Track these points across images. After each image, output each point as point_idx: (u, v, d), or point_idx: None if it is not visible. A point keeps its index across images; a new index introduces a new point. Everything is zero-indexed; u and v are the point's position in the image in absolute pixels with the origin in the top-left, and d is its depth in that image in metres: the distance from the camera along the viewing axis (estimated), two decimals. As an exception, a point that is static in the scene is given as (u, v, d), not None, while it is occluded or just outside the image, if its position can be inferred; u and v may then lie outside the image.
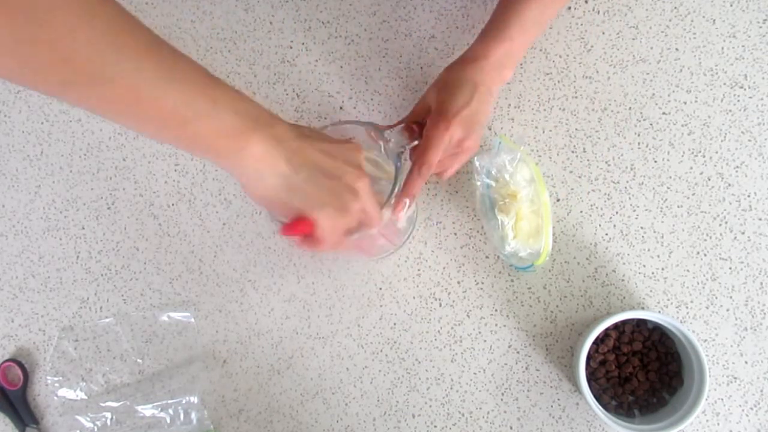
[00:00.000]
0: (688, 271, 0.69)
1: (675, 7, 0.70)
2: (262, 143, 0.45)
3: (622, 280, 0.69)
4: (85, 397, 0.71)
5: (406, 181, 0.58)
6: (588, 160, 0.70)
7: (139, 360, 0.71)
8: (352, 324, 0.70)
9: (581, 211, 0.70)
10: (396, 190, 0.58)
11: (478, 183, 0.66)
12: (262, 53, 0.73)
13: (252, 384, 0.70)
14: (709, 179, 0.69)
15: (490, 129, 0.71)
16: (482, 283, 0.70)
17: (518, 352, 0.69)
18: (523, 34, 0.61)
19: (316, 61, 0.73)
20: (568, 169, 0.70)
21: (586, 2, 0.71)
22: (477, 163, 0.66)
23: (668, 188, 0.69)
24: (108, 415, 0.70)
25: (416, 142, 0.60)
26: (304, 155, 0.47)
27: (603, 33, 0.71)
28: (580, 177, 0.70)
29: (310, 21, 0.73)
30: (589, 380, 0.65)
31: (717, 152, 0.69)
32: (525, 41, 0.62)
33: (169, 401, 0.70)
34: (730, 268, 0.68)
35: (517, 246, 0.65)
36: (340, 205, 0.48)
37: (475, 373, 0.69)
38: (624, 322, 0.66)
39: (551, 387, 0.69)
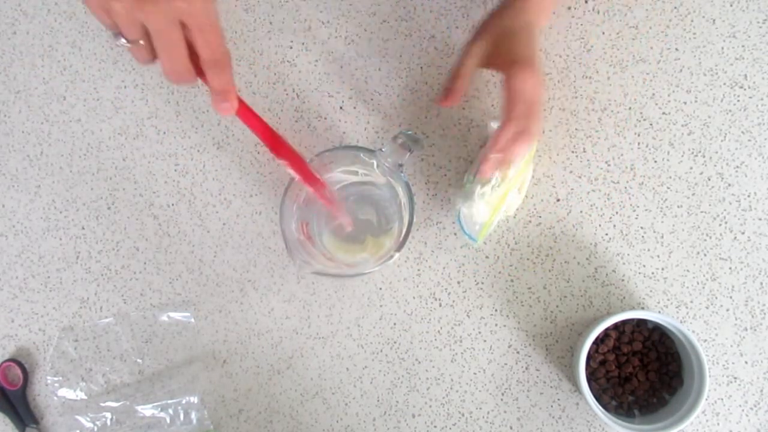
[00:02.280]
0: (688, 271, 0.69)
1: (675, 7, 0.70)
2: None
3: (622, 280, 0.69)
4: (85, 397, 0.71)
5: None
6: (588, 160, 0.70)
7: (139, 360, 0.71)
8: (352, 324, 0.70)
9: (581, 211, 0.70)
10: (411, 204, 0.58)
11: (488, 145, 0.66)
12: (262, 53, 0.73)
13: (252, 384, 0.70)
14: (709, 179, 0.69)
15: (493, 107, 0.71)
16: (482, 283, 0.70)
17: (518, 352, 0.69)
18: None
19: (316, 61, 0.73)
20: (568, 169, 0.70)
21: (586, 2, 0.71)
22: (492, 125, 0.65)
23: (668, 188, 0.69)
24: (108, 415, 0.70)
25: (411, 152, 0.59)
26: None
27: (603, 33, 0.71)
28: (580, 177, 0.70)
29: (310, 21, 0.73)
30: (589, 380, 0.65)
31: (717, 152, 0.69)
32: None
33: (169, 401, 0.70)
34: (730, 268, 0.68)
35: (477, 210, 0.64)
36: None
37: (475, 373, 0.69)
38: (624, 322, 0.66)
39: (551, 387, 0.69)
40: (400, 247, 0.59)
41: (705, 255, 0.68)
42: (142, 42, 0.41)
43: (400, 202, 0.63)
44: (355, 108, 0.72)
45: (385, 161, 0.60)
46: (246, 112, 0.51)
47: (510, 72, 0.55)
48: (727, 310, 0.68)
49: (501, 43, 0.57)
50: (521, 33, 0.57)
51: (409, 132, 0.60)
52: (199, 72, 0.43)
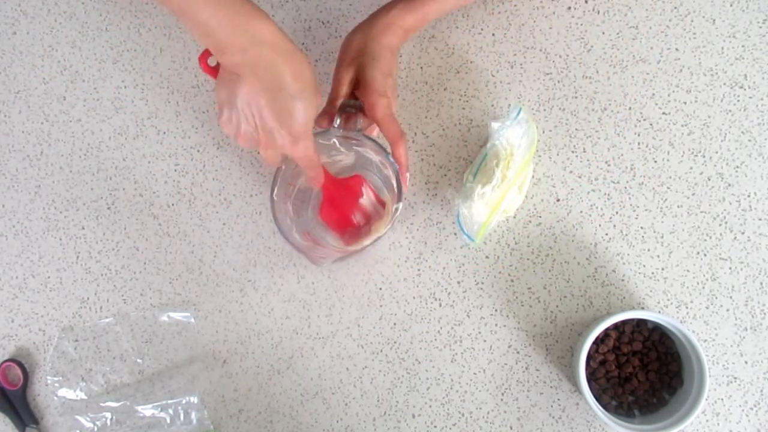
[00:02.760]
0: (688, 271, 0.69)
1: (675, 7, 0.70)
2: (269, 26, 0.51)
3: (622, 280, 0.69)
4: (85, 397, 0.71)
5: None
6: (588, 160, 0.70)
7: (139, 360, 0.71)
8: (352, 324, 0.70)
9: (581, 211, 0.70)
10: (387, 155, 0.61)
11: (488, 145, 0.66)
12: (262, 53, 0.73)
13: (252, 384, 0.70)
14: (709, 179, 0.69)
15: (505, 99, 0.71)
16: (482, 283, 0.70)
17: (518, 352, 0.69)
18: (442, 7, 0.64)
19: (316, 61, 0.73)
20: (568, 169, 0.70)
21: (586, 2, 0.71)
22: (493, 125, 0.65)
23: (668, 188, 0.69)
24: (108, 415, 0.70)
25: (359, 112, 0.61)
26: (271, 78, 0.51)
27: (603, 33, 0.71)
28: (580, 177, 0.70)
29: (310, 21, 0.73)
30: (589, 380, 0.65)
31: (717, 152, 0.69)
32: (440, 13, 0.65)
33: (169, 401, 0.70)
34: (730, 268, 0.68)
35: (476, 210, 0.65)
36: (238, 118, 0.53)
37: (475, 373, 0.69)
38: (624, 322, 0.66)
39: (551, 387, 0.69)
40: (399, 198, 0.61)
41: (705, 255, 0.68)
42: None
43: (377, 162, 0.64)
44: (355, 108, 0.72)
45: (341, 133, 0.62)
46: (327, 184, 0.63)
47: (372, 103, 0.59)
48: (727, 310, 0.68)
49: (362, 70, 0.60)
50: (385, 56, 0.61)
51: (348, 100, 0.62)
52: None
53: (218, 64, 0.54)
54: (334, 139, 0.62)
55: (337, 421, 0.70)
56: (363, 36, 0.61)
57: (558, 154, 0.70)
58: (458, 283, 0.70)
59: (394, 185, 0.62)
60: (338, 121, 0.61)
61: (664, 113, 0.70)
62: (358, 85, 0.61)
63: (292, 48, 0.51)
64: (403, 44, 0.64)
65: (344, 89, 0.61)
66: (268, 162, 0.58)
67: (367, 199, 0.66)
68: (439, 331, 0.70)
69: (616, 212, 0.69)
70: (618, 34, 0.71)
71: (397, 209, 0.61)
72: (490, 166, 0.64)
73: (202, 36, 0.49)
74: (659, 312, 0.65)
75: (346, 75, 0.61)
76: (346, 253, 0.66)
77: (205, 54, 0.54)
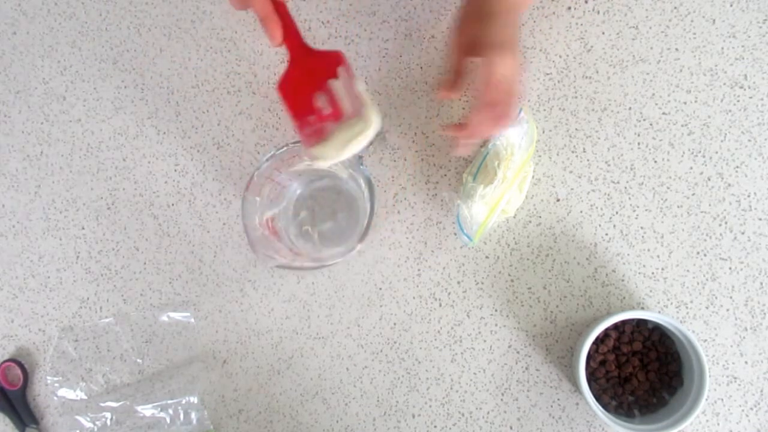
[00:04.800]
0: (688, 271, 0.69)
1: (675, 7, 0.70)
2: None
3: (622, 280, 0.69)
4: (85, 397, 0.71)
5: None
6: (588, 160, 0.70)
7: (139, 360, 0.71)
8: (352, 324, 0.70)
9: (581, 211, 0.70)
10: (372, 196, 0.59)
11: (489, 146, 0.66)
12: (262, 53, 0.73)
13: (252, 384, 0.70)
14: (709, 179, 0.69)
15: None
16: (482, 283, 0.70)
17: (518, 352, 0.69)
18: None
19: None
20: (568, 169, 0.70)
21: (586, 2, 0.71)
22: None
23: (668, 188, 0.69)
24: (108, 415, 0.70)
25: (371, 144, 0.57)
26: None
27: (603, 33, 0.71)
28: (580, 177, 0.70)
29: (310, 21, 0.73)
30: (589, 380, 0.65)
31: (717, 152, 0.69)
32: None
33: (169, 401, 0.70)
34: (730, 268, 0.68)
35: (476, 210, 0.64)
36: None
37: (475, 373, 0.69)
38: (624, 322, 0.66)
39: (551, 387, 0.69)
40: (362, 239, 0.59)
41: (705, 255, 0.68)
42: None
43: (363, 194, 0.63)
44: (355, 108, 0.72)
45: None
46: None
47: (488, 56, 0.54)
48: (727, 310, 0.68)
49: (481, 28, 0.56)
50: (500, 16, 0.56)
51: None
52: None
53: None
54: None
55: (337, 421, 0.70)
56: (477, 26, 0.57)
57: (558, 154, 0.70)
58: (458, 283, 0.70)
59: (365, 226, 0.59)
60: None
61: (664, 113, 0.70)
62: (471, 48, 0.56)
63: None
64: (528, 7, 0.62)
65: (460, 53, 0.58)
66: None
67: (342, 85, 0.54)
68: (439, 331, 0.70)
69: (616, 212, 0.69)
70: (618, 34, 0.70)
71: (354, 249, 0.58)
72: (491, 166, 0.64)
73: None
74: (659, 312, 0.65)
75: (461, 39, 0.57)
76: (293, 259, 0.62)
77: None
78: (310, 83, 0.54)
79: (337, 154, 0.55)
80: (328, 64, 0.54)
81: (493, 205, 0.63)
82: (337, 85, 0.54)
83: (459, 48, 0.59)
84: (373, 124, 0.54)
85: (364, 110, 0.54)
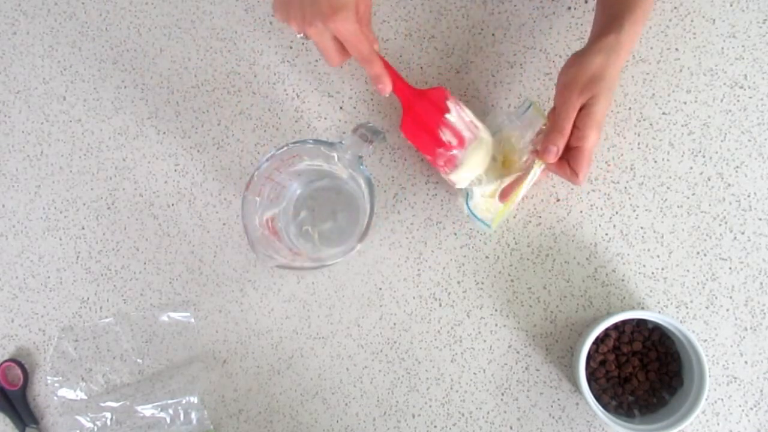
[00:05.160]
0: (688, 271, 0.69)
1: (675, 7, 0.70)
2: None
3: (622, 280, 0.69)
4: (85, 397, 0.71)
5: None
6: (588, 160, 0.70)
7: (139, 360, 0.71)
8: (352, 324, 0.70)
9: (581, 211, 0.70)
10: (372, 197, 0.59)
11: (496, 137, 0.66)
12: (262, 53, 0.73)
13: (252, 384, 0.70)
14: (709, 179, 0.69)
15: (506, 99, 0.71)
16: (482, 283, 0.70)
17: (518, 352, 0.69)
18: (643, 15, 0.59)
19: (316, 61, 0.73)
20: (568, 169, 0.70)
21: (586, 2, 0.71)
22: (501, 117, 0.65)
23: (668, 188, 0.69)
24: (108, 415, 0.70)
25: (371, 144, 0.59)
26: None
27: (603, 33, 0.71)
28: (580, 177, 0.70)
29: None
30: (589, 380, 0.65)
31: (717, 152, 0.69)
32: (644, 18, 0.60)
33: (169, 401, 0.70)
34: (730, 268, 0.68)
35: (484, 201, 0.64)
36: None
37: (475, 373, 0.69)
38: (624, 322, 0.66)
39: (551, 387, 0.69)
40: (362, 239, 0.59)
41: (705, 255, 0.68)
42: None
43: (363, 194, 0.63)
44: (355, 108, 0.72)
45: (345, 153, 0.60)
46: (396, 83, 0.61)
47: (587, 136, 0.57)
48: (727, 310, 0.68)
49: (594, 98, 0.57)
50: (613, 87, 0.58)
51: (370, 124, 0.60)
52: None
53: None
54: (335, 154, 0.62)
55: (337, 421, 0.70)
56: (603, 60, 0.57)
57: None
58: (458, 283, 0.70)
59: (364, 226, 0.60)
60: (347, 139, 0.60)
61: (664, 113, 0.70)
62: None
63: None
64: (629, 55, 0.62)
65: (573, 117, 0.58)
66: (323, 52, 0.57)
67: (456, 116, 0.62)
68: (439, 331, 0.70)
69: (616, 212, 0.69)
70: (618, 34, 0.70)
71: (354, 248, 0.60)
72: (505, 155, 0.64)
73: None
74: (659, 312, 0.65)
75: (578, 100, 0.57)
76: (293, 259, 0.64)
77: None
78: (428, 121, 0.62)
79: (471, 175, 0.63)
80: (438, 99, 0.62)
81: (516, 190, 0.62)
82: (452, 118, 0.62)
83: (574, 112, 0.58)
84: (487, 140, 0.62)
85: (479, 132, 0.62)
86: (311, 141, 0.61)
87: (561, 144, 0.58)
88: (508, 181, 0.63)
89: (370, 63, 0.59)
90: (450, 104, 0.62)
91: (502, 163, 0.65)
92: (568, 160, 0.60)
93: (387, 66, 0.61)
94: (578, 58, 0.58)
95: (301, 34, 0.57)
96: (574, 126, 0.58)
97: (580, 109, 0.58)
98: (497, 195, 0.64)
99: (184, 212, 0.72)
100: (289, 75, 0.73)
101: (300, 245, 0.70)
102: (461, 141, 0.62)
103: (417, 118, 0.61)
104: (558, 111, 0.59)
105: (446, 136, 0.62)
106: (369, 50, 0.58)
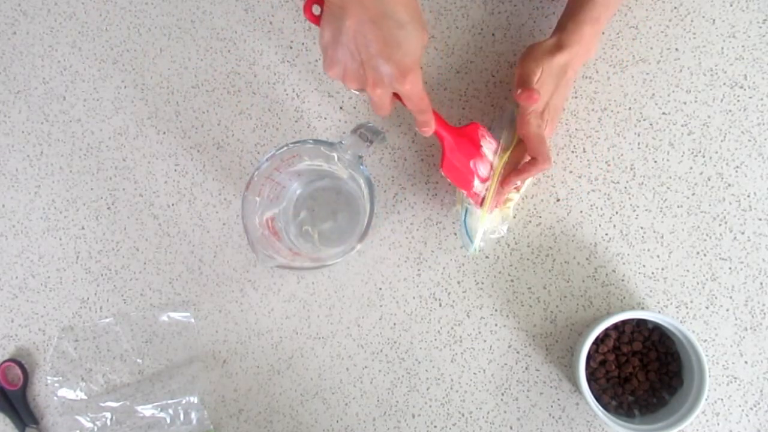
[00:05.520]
0: (688, 271, 0.69)
1: (675, 7, 0.70)
2: None
3: (622, 280, 0.69)
4: (85, 397, 0.71)
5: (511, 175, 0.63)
6: (588, 160, 0.70)
7: (139, 360, 0.71)
8: (352, 324, 0.70)
9: (581, 211, 0.70)
10: (372, 197, 0.59)
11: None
12: (262, 53, 0.73)
13: (252, 384, 0.70)
14: (709, 179, 0.69)
15: (506, 99, 0.71)
16: (482, 283, 0.70)
17: (518, 352, 0.69)
18: (607, 10, 0.61)
19: (316, 61, 0.73)
20: (568, 169, 0.70)
21: (586, 2, 0.71)
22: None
23: (668, 188, 0.69)
24: (108, 415, 0.70)
25: (371, 144, 0.60)
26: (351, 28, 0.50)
27: (603, 33, 0.71)
28: (580, 177, 0.70)
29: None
30: (589, 380, 0.65)
31: (717, 152, 0.69)
32: (608, 16, 0.62)
33: (169, 401, 0.70)
34: (730, 268, 0.68)
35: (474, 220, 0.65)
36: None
37: (475, 373, 0.69)
38: (624, 322, 0.66)
39: (551, 387, 0.69)
40: (362, 239, 0.60)
41: (705, 255, 0.68)
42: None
43: (363, 194, 0.64)
44: (355, 108, 0.72)
45: (345, 154, 0.60)
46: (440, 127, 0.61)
47: (527, 121, 0.60)
48: (727, 310, 0.68)
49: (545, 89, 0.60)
50: (553, 76, 0.60)
51: (370, 124, 0.60)
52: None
53: (322, 12, 0.54)
54: (335, 154, 0.62)
55: (337, 421, 0.70)
56: (541, 53, 0.60)
57: (558, 154, 0.70)
58: (458, 283, 0.70)
59: (364, 226, 0.61)
60: (347, 139, 0.60)
61: (664, 113, 0.70)
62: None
63: None
64: (584, 62, 0.64)
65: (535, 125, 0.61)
66: (378, 107, 0.56)
67: (488, 148, 0.64)
68: (439, 331, 0.70)
69: (616, 212, 0.69)
70: (618, 34, 0.70)
71: (354, 248, 0.60)
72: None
73: None
74: (659, 312, 0.65)
75: (537, 121, 0.60)
76: (293, 259, 0.64)
77: (309, 2, 0.55)
78: (466, 158, 0.63)
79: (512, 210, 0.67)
80: (472, 134, 0.63)
81: (482, 214, 0.64)
82: (486, 151, 0.64)
83: (535, 125, 0.61)
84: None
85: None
86: (311, 141, 0.61)
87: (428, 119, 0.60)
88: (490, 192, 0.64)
89: (424, 114, 0.58)
90: (484, 140, 0.64)
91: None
92: (527, 152, 0.63)
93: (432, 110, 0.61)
94: (525, 55, 0.61)
95: (358, 91, 0.56)
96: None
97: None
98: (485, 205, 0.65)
99: (184, 212, 0.72)
100: (289, 75, 0.73)
101: (300, 245, 0.70)
102: (491, 172, 0.65)
103: (454, 156, 0.62)
104: (520, 75, 0.61)
105: (481, 170, 0.64)
106: (428, 104, 0.57)
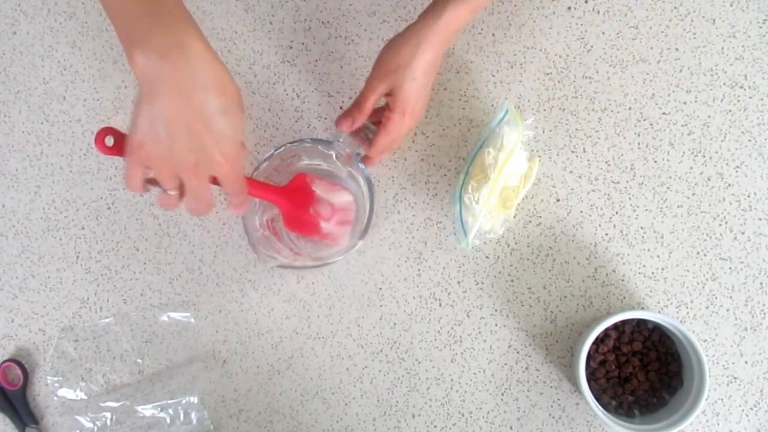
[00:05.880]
0: (688, 271, 0.69)
1: (675, 7, 0.70)
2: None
3: (622, 280, 0.69)
4: (85, 397, 0.71)
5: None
6: (588, 160, 0.70)
7: (139, 360, 0.71)
8: (352, 324, 0.70)
9: (581, 211, 0.70)
10: (371, 193, 0.59)
11: (475, 150, 0.66)
12: (262, 53, 0.73)
13: (252, 384, 0.70)
14: (709, 179, 0.69)
15: (506, 99, 0.70)
16: (482, 283, 0.70)
17: (518, 352, 0.69)
18: None
19: (316, 61, 0.73)
20: (568, 169, 0.70)
21: (586, 2, 0.71)
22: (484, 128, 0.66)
23: (668, 188, 0.69)
24: (108, 415, 0.70)
25: (369, 141, 0.60)
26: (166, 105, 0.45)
27: (603, 33, 0.71)
28: (580, 177, 0.70)
29: (310, 21, 0.73)
30: (589, 380, 0.65)
31: (717, 152, 0.69)
32: (477, 6, 0.58)
33: (169, 401, 0.70)
34: (730, 268, 0.68)
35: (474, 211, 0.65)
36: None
37: (475, 373, 0.69)
38: (624, 322, 0.66)
39: (551, 387, 0.69)
40: (363, 236, 0.60)
41: (705, 255, 0.68)
42: (173, 192, 0.50)
43: (363, 193, 0.64)
44: (355, 108, 0.72)
45: (342, 151, 0.60)
46: (256, 190, 0.61)
47: (391, 118, 0.59)
48: (727, 310, 0.68)
49: (398, 85, 0.58)
50: (406, 45, 0.57)
51: (367, 123, 0.61)
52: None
53: (116, 143, 0.50)
54: (332, 152, 0.62)
55: (337, 421, 0.70)
56: (410, 48, 0.57)
57: (558, 154, 0.70)
58: (458, 283, 0.70)
59: (365, 223, 0.61)
60: (344, 137, 0.60)
61: (664, 113, 0.70)
62: (389, 94, 0.59)
63: (216, 60, 0.46)
64: (445, 45, 0.59)
65: (373, 100, 0.59)
66: (197, 200, 0.50)
67: (321, 190, 0.65)
68: (439, 331, 0.70)
69: (616, 212, 0.69)
70: (618, 34, 0.71)
71: (355, 246, 0.61)
72: (479, 169, 0.65)
73: (122, 28, 0.45)
74: (659, 312, 0.65)
75: (380, 86, 0.58)
76: (299, 267, 0.65)
77: (102, 133, 0.49)
78: (304, 207, 0.65)
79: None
80: (303, 185, 0.65)
81: (479, 210, 0.63)
82: (321, 193, 0.66)
83: (377, 95, 0.59)
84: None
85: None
86: (309, 140, 0.62)
87: (357, 117, 0.59)
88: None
89: (239, 195, 0.54)
90: (314, 185, 0.65)
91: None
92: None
93: (251, 183, 0.59)
94: (391, 43, 0.58)
95: (171, 190, 0.50)
96: (386, 107, 0.60)
97: (389, 94, 0.59)
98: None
99: (184, 212, 0.72)
100: (289, 75, 0.73)
101: (301, 245, 0.70)
102: (335, 209, 0.66)
103: (297, 213, 0.64)
104: (363, 89, 0.59)
105: (324, 211, 0.65)
106: (244, 185, 0.54)
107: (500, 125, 0.65)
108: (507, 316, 0.69)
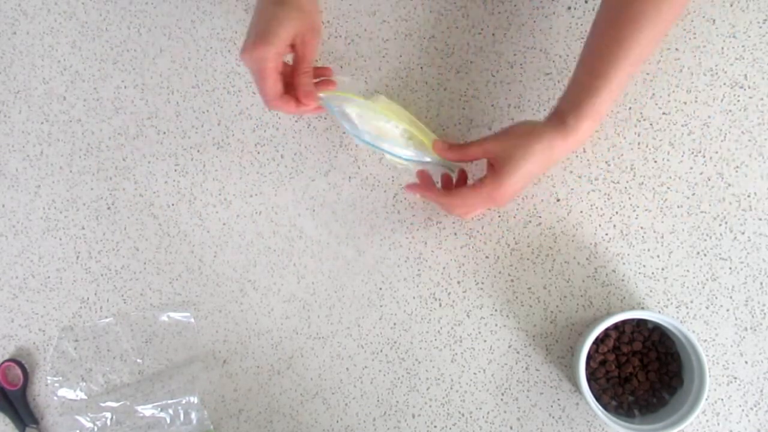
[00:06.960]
0: (688, 271, 0.69)
1: (675, 7, 0.70)
2: None
3: (622, 280, 0.69)
4: (85, 397, 0.71)
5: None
6: (588, 160, 0.70)
7: (139, 360, 0.71)
8: (352, 324, 0.70)
9: (581, 211, 0.70)
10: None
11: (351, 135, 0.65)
12: (262, 53, 0.73)
13: (252, 384, 0.70)
14: (709, 179, 0.69)
15: (506, 99, 0.71)
16: (482, 283, 0.70)
17: (518, 352, 0.69)
18: (611, 100, 0.58)
19: (316, 61, 0.73)
20: (568, 169, 0.70)
21: (586, 2, 0.71)
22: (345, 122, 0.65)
23: (668, 188, 0.69)
24: (108, 415, 0.70)
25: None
26: None
27: (603, 33, 0.71)
28: (580, 177, 0.70)
29: (310, 21, 0.73)
30: (589, 380, 0.65)
31: (717, 152, 0.69)
32: (610, 106, 0.59)
33: (169, 401, 0.70)
34: (730, 268, 0.68)
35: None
36: None
37: (475, 373, 0.69)
38: (624, 322, 0.66)
39: (551, 387, 0.69)
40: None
41: (705, 255, 0.68)
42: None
43: None
44: (355, 108, 0.72)
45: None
46: None
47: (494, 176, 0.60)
48: (727, 310, 0.68)
49: (501, 162, 0.59)
50: (536, 157, 0.58)
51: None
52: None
53: None
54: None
55: (337, 421, 0.70)
56: (536, 132, 0.59)
57: (558, 154, 0.70)
58: (458, 283, 0.70)
59: None
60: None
61: (664, 113, 0.70)
62: (491, 160, 0.61)
63: None
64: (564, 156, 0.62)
65: (476, 153, 0.61)
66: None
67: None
68: (439, 331, 0.70)
69: (616, 212, 0.69)
70: (618, 34, 0.70)
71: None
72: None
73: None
74: (659, 312, 0.65)
75: (491, 148, 0.60)
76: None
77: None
78: None
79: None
80: None
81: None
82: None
83: (483, 151, 0.61)
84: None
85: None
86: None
87: (454, 152, 0.63)
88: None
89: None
90: None
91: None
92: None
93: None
94: (531, 129, 0.59)
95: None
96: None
97: (492, 164, 0.60)
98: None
99: (184, 212, 0.72)
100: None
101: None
102: None
103: None
104: (475, 141, 0.62)
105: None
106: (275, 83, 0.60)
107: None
108: (507, 316, 0.69)
